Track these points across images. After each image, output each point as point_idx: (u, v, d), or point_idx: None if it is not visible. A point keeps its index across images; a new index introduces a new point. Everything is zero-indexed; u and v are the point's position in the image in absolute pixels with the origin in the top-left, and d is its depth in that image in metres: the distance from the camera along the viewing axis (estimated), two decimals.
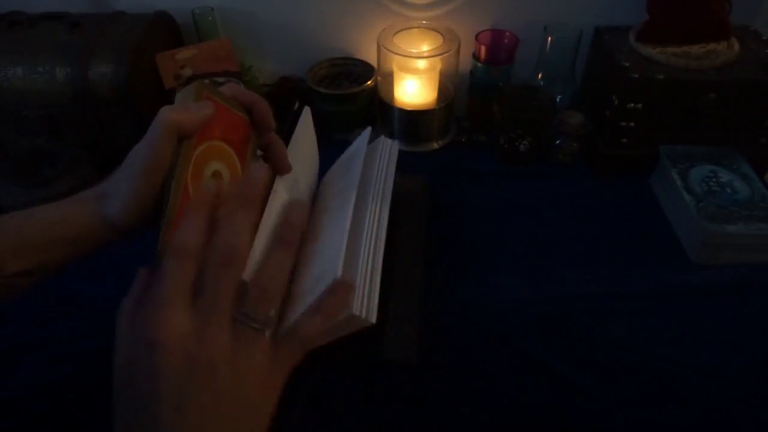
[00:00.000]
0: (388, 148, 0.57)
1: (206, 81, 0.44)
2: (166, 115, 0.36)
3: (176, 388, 0.28)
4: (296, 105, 0.55)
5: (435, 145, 0.81)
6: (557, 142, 0.75)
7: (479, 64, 0.78)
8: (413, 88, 0.77)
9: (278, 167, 0.45)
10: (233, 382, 0.30)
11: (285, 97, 0.82)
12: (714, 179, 0.65)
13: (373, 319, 0.38)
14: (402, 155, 0.79)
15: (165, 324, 0.29)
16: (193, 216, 0.32)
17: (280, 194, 0.45)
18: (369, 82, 0.79)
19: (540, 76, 0.78)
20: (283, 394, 0.34)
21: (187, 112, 0.37)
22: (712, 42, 0.70)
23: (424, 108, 0.78)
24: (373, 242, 0.43)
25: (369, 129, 0.57)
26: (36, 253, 0.36)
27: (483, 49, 0.77)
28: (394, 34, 0.76)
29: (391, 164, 0.55)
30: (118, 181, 0.38)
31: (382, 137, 0.58)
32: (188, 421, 0.28)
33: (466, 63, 0.79)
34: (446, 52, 0.74)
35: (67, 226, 0.37)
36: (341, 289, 0.35)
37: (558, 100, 0.76)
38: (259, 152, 0.47)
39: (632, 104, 0.68)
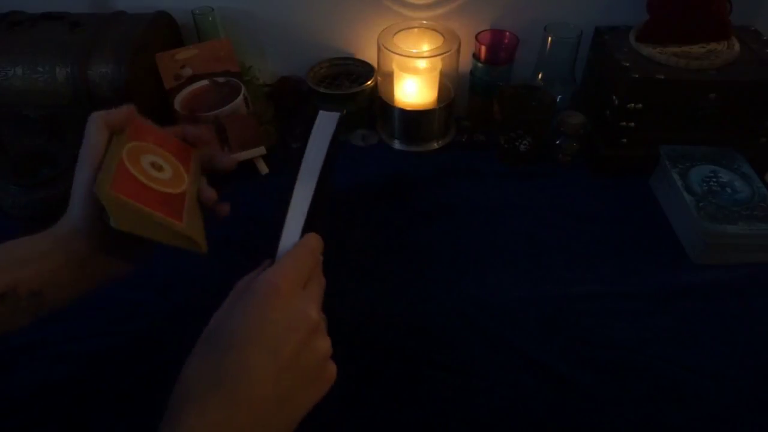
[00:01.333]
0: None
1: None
2: (93, 113, 0.41)
3: (275, 327, 0.33)
4: (309, 109, 0.53)
5: (435, 145, 0.81)
6: (557, 142, 0.75)
7: (479, 64, 0.78)
8: (413, 88, 0.77)
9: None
10: (311, 351, 0.35)
11: (285, 97, 0.82)
12: (714, 179, 0.65)
13: None
14: (402, 155, 0.79)
15: (286, 276, 0.34)
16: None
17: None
18: (369, 82, 0.79)
19: (540, 76, 0.78)
20: None
21: (110, 111, 0.41)
22: (712, 42, 0.70)
23: (424, 108, 0.78)
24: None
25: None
26: (2, 273, 0.37)
27: (483, 49, 0.77)
28: (394, 34, 0.76)
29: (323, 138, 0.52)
30: (73, 189, 0.40)
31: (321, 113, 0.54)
32: (278, 361, 0.33)
33: (466, 63, 0.79)
34: (446, 52, 0.74)
35: (34, 243, 0.39)
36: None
37: (558, 100, 0.76)
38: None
39: (632, 104, 0.68)
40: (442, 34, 0.76)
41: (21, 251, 0.38)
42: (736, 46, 0.70)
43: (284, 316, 0.33)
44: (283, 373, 0.33)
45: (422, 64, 0.75)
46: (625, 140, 0.71)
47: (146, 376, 0.51)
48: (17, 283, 0.37)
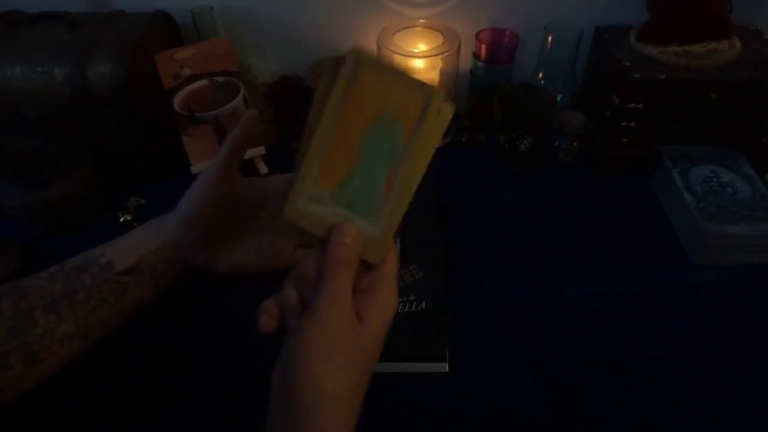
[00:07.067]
0: None
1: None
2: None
3: None
4: None
5: None
6: (557, 142, 0.75)
7: (479, 63, 0.78)
8: None
9: None
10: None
11: (284, 97, 0.82)
12: (715, 179, 0.65)
13: None
14: None
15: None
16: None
17: None
18: None
19: (540, 75, 0.78)
20: None
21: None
22: (713, 41, 0.70)
23: None
24: None
25: None
26: (135, 250, 0.42)
27: (483, 48, 0.77)
28: (394, 34, 0.76)
29: None
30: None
31: None
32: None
33: (466, 62, 0.79)
34: (446, 52, 0.73)
35: (154, 225, 0.44)
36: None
37: (558, 99, 0.76)
38: None
39: (633, 104, 0.67)
40: (442, 33, 0.76)
41: (148, 230, 0.44)
42: (737, 46, 0.70)
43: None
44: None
45: (422, 63, 0.75)
46: (625, 140, 0.71)
47: (146, 376, 0.51)
48: (140, 259, 0.42)
